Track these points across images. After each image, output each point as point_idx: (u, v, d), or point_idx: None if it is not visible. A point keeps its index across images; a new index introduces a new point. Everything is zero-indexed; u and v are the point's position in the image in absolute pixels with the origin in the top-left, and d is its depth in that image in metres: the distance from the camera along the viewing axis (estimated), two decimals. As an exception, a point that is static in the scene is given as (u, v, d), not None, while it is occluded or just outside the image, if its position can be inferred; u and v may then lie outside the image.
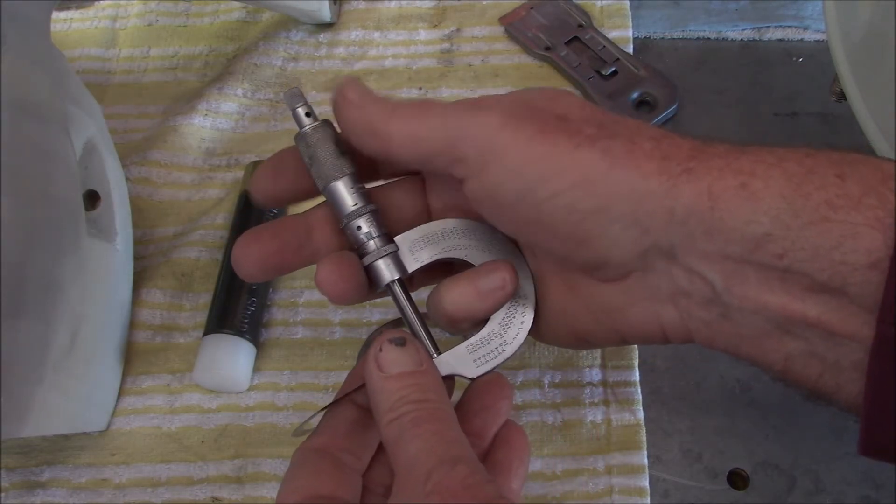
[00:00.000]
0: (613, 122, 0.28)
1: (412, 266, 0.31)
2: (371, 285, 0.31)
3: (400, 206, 0.33)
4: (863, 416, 0.25)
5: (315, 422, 0.30)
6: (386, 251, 0.30)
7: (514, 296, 0.31)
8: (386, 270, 0.30)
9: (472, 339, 0.31)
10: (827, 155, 0.25)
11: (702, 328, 0.28)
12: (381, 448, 0.30)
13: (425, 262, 0.31)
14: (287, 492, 0.27)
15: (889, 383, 0.24)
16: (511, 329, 0.31)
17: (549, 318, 0.32)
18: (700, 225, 0.26)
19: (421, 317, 0.31)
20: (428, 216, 0.33)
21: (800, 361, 0.26)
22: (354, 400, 0.30)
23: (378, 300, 0.43)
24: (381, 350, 0.27)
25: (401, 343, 0.28)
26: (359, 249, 0.31)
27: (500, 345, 0.31)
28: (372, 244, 0.31)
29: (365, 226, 0.31)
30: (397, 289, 0.31)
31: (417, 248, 0.31)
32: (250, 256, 0.31)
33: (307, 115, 0.31)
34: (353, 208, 0.30)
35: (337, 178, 0.30)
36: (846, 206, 0.24)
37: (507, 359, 0.31)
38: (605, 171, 0.26)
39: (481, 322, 0.31)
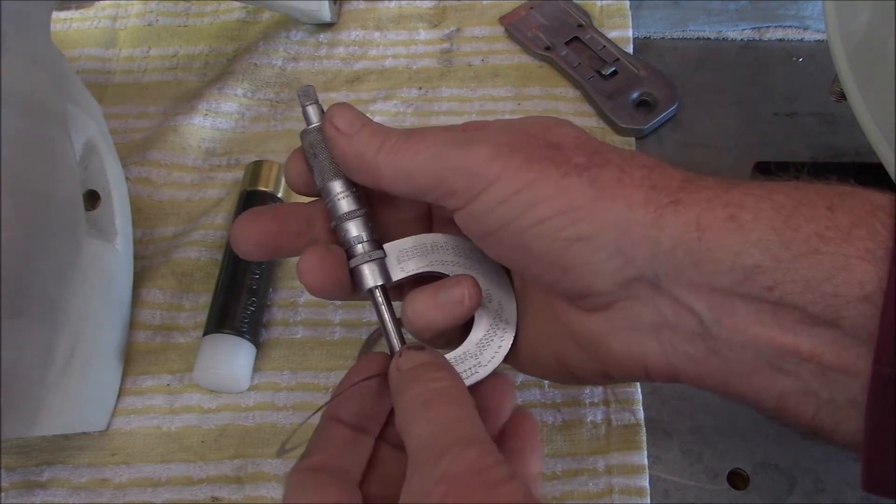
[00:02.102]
0: (607, 151, 0.28)
1: (397, 275, 0.31)
2: (354, 287, 0.31)
3: (403, 208, 0.33)
4: (864, 455, 0.24)
5: (296, 440, 0.30)
6: (372, 257, 0.30)
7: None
8: (370, 276, 0.30)
9: (449, 355, 0.31)
10: (815, 187, 0.25)
11: (688, 364, 0.27)
12: (373, 461, 0.30)
13: (410, 273, 0.31)
14: None
15: (888, 423, 0.23)
16: (487, 351, 0.31)
17: (533, 346, 0.31)
18: (687, 256, 0.26)
19: (399, 326, 0.31)
20: (429, 221, 0.33)
21: (793, 400, 0.26)
22: (340, 418, 0.30)
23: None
24: (400, 356, 0.28)
25: (419, 348, 0.29)
26: (347, 251, 0.31)
27: (474, 366, 0.31)
28: (360, 248, 0.30)
29: (355, 229, 0.31)
30: (378, 295, 0.31)
31: (405, 258, 0.31)
32: (248, 234, 0.31)
33: (316, 113, 0.31)
34: (346, 210, 0.30)
35: (332, 179, 0.31)
36: (837, 238, 0.24)
37: (480, 381, 0.31)
38: (591, 200, 0.26)
39: (445, 334, 0.31)
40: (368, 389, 0.30)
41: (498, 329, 0.31)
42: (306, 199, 0.33)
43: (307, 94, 0.31)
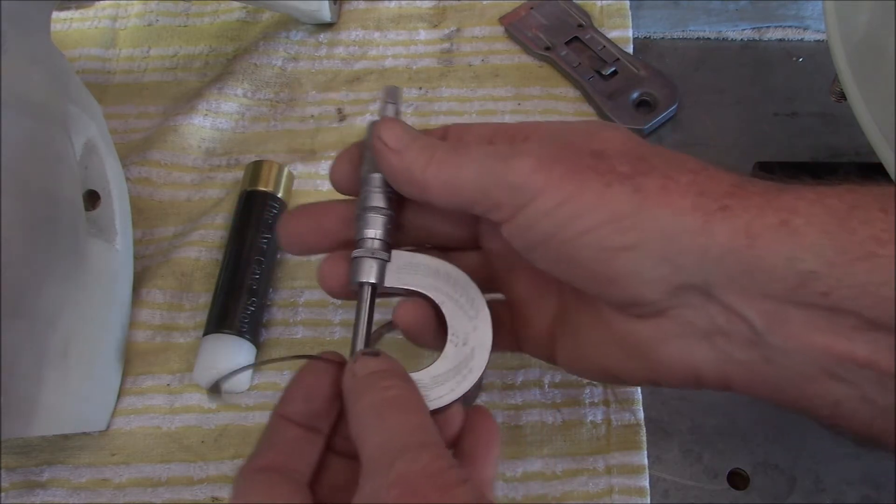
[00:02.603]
0: (653, 156, 0.27)
1: (391, 282, 0.31)
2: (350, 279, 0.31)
3: (453, 222, 0.33)
4: None
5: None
6: (375, 255, 0.31)
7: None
8: (364, 271, 0.31)
9: (422, 377, 0.30)
10: (868, 189, 0.25)
11: (741, 371, 0.27)
12: (321, 468, 0.30)
13: (404, 287, 0.31)
14: None
15: None
16: (439, 389, 0.30)
17: (579, 351, 0.31)
18: (738, 264, 0.25)
19: (369, 328, 0.31)
20: (475, 236, 0.33)
21: (849, 407, 0.25)
22: (290, 417, 0.29)
23: (379, 300, 0.43)
24: (356, 361, 0.29)
25: (375, 355, 0.29)
26: (357, 242, 0.31)
27: (426, 397, 0.30)
28: (369, 242, 0.31)
29: (372, 223, 0.31)
30: (365, 292, 0.31)
31: (407, 271, 0.31)
32: (289, 231, 0.32)
33: (391, 114, 0.32)
34: (372, 204, 0.31)
35: (374, 171, 0.31)
36: (892, 241, 0.23)
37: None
38: (635, 209, 0.26)
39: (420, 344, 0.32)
40: (319, 388, 0.30)
41: (459, 373, 0.31)
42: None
43: (391, 94, 0.32)
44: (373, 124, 0.31)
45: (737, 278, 0.25)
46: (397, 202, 0.31)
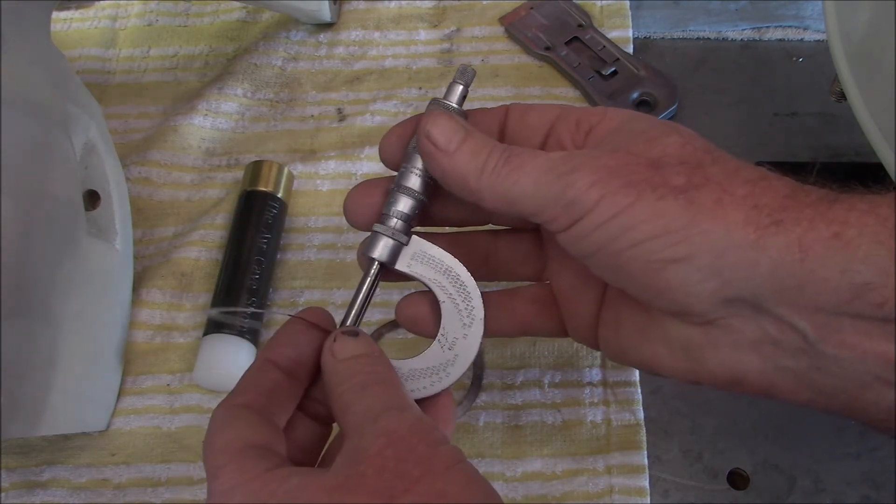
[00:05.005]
0: (710, 164, 0.27)
1: (401, 266, 0.31)
2: (362, 248, 0.32)
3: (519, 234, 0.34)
4: None
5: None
6: (395, 236, 0.31)
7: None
8: (378, 248, 0.31)
9: (400, 367, 0.31)
10: None
11: (789, 379, 0.27)
12: (288, 425, 0.30)
13: (411, 274, 0.32)
14: (220, 443, 0.27)
15: None
16: (414, 383, 0.31)
17: (621, 342, 0.31)
18: (789, 277, 0.25)
19: (366, 302, 0.31)
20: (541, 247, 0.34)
21: None
22: (274, 361, 0.30)
23: (378, 300, 0.43)
24: (335, 340, 0.29)
25: (354, 335, 0.29)
26: (381, 217, 0.31)
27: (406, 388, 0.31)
28: (393, 221, 0.31)
29: (402, 204, 0.31)
30: (373, 268, 0.31)
31: (420, 259, 0.31)
32: (356, 206, 0.32)
33: (458, 95, 0.31)
34: (408, 185, 0.31)
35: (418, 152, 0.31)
36: None
37: None
38: (687, 223, 0.26)
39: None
40: (306, 337, 0.30)
41: (436, 374, 0.31)
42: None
43: (464, 74, 0.31)
44: (437, 101, 0.31)
45: (788, 292, 0.25)
46: (434, 187, 0.31)
